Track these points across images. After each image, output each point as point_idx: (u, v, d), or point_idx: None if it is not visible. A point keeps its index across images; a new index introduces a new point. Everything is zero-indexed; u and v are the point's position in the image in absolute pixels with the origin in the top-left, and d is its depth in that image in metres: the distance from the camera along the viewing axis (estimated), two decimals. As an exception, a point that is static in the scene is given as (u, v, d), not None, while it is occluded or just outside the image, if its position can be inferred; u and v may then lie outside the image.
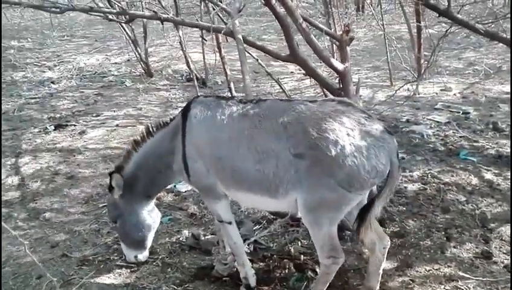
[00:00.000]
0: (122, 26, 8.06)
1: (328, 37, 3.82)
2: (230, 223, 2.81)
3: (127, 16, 4.43)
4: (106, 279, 3.11)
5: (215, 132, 2.54)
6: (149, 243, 3.08)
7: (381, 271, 2.71)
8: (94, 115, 6.59)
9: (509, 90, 6.45)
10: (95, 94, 7.66)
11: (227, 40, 5.49)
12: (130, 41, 8.36)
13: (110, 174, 2.85)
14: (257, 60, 5.85)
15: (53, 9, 3.58)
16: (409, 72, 7.54)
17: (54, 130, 6.00)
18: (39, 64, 9.82)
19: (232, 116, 2.52)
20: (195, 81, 6.56)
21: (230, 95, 5.94)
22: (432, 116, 5.89)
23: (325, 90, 4.45)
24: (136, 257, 3.07)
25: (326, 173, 2.27)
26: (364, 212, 2.45)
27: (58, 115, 6.59)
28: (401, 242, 3.33)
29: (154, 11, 3.55)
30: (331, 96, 3.12)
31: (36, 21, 15.01)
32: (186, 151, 2.64)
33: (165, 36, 9.45)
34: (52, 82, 8.33)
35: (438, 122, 5.66)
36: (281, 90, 7.02)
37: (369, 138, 2.27)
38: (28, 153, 5.32)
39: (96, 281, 3.08)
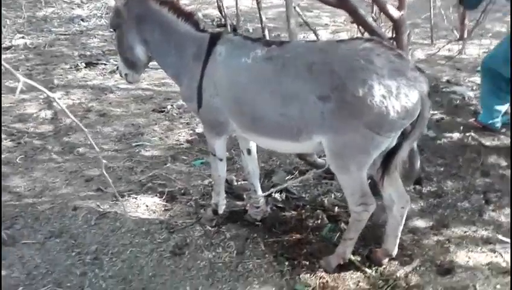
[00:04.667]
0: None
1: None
2: (221, 160, 2.85)
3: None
4: (140, 215, 3.16)
5: (237, 75, 2.45)
6: (141, 71, 2.94)
7: (399, 234, 2.62)
8: (124, 55, 6.51)
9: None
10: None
11: None
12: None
13: None
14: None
15: None
16: (450, 32, 7.20)
17: (85, 67, 5.96)
18: (68, 1, 9.67)
19: (256, 58, 2.41)
20: (228, 27, 6.35)
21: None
22: (474, 78, 5.63)
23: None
24: (126, 74, 2.92)
25: (354, 114, 2.17)
26: (390, 156, 2.35)
27: (89, 53, 6.53)
28: (437, 202, 3.26)
29: None
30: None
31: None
32: (203, 83, 2.56)
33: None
34: (82, 19, 8.20)
35: (479, 84, 5.41)
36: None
37: (399, 77, 2.14)
38: (60, 88, 5.33)
39: (131, 216, 3.12)
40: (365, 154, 2.27)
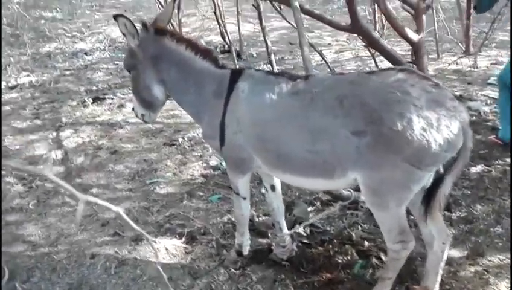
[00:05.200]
0: (155, -5, 7.82)
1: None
2: (245, 198, 2.74)
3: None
4: (161, 259, 3.03)
5: (262, 112, 2.37)
6: (158, 110, 2.86)
7: (440, 270, 2.48)
8: (131, 88, 6.46)
9: None
10: (127, 65, 7.52)
11: (280, 8, 5.20)
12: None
13: (115, 17, 2.53)
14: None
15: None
16: (455, 45, 7.15)
17: (92, 103, 5.91)
18: (70, 35, 9.71)
19: (282, 94, 2.33)
20: (234, 53, 6.32)
21: (278, 70, 5.71)
22: (486, 92, 5.54)
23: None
24: (143, 115, 2.83)
25: (392, 149, 2.06)
26: (432, 191, 2.24)
27: (95, 88, 6.49)
28: (469, 228, 3.13)
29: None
30: (390, 66, 2.88)
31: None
32: (226, 120, 2.47)
33: (197, 6, 9.19)
34: (85, 53, 8.21)
35: (493, 98, 5.31)
36: (319, 63, 6.76)
37: (438, 108, 2.04)
38: (68, 126, 5.26)
39: (152, 262, 2.99)
40: (405, 189, 2.16)
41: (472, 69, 6.35)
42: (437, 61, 6.83)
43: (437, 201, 2.21)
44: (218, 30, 7.95)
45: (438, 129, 2.01)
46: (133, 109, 2.92)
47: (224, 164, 4.15)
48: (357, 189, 2.67)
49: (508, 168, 3.74)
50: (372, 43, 3.09)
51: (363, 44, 3.24)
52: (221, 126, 2.48)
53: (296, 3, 3.28)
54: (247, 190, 2.73)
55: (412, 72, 2.16)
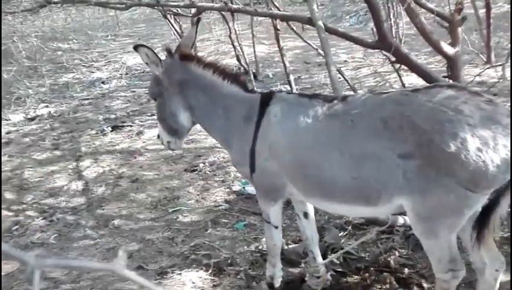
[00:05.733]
0: (170, 22, 7.88)
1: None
2: (277, 227, 2.59)
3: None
4: (188, 294, 2.88)
5: (298, 136, 2.25)
6: (184, 137, 2.80)
7: None
8: (149, 114, 6.43)
9: None
10: (147, 93, 7.52)
11: (303, 29, 5.14)
12: (178, 36, 8.16)
13: (135, 47, 2.50)
14: (316, 49, 5.45)
15: (118, 5, 3.38)
16: (475, 56, 6.98)
17: (111, 131, 5.88)
18: (87, 64, 9.84)
19: (318, 117, 2.21)
20: (252, 75, 6.26)
21: (297, 90, 5.61)
22: (515, 103, 5.33)
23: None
24: (168, 142, 2.75)
25: (445, 172, 1.91)
26: (486, 214, 2.05)
27: (113, 116, 6.48)
28: (513, 250, 2.91)
29: (224, 2, 3.26)
30: (438, 82, 2.73)
31: (79, 22, 15.17)
32: (257, 146, 2.36)
33: (212, 30, 9.22)
34: (103, 82, 8.28)
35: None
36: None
37: (494, 125, 1.88)
38: (88, 156, 5.22)
39: (179, 297, 2.85)
40: (458, 215, 1.99)
41: (494, 79, 6.15)
42: (459, 73, 6.67)
43: (491, 225, 2.03)
44: (233, 53, 7.94)
45: (494, 149, 1.86)
46: (158, 137, 2.84)
47: (247, 188, 4.05)
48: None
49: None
50: (401, 59, 2.96)
51: (389, 60, 3.13)
52: (251, 152, 2.37)
53: (320, 23, 3.19)
54: (279, 219, 2.59)
55: (462, 88, 2.03)
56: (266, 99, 2.39)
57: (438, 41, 2.62)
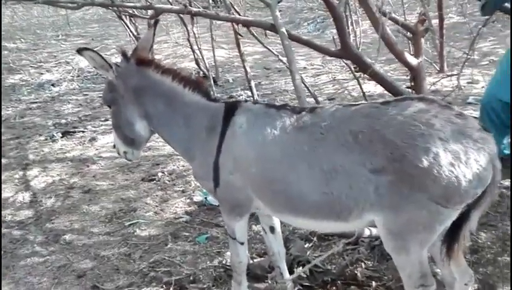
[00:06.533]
0: (125, 23, 7.60)
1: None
2: (242, 243, 2.48)
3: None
4: (148, 315, 2.71)
5: (265, 148, 2.15)
6: (142, 147, 2.63)
7: None
8: (102, 119, 6.14)
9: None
10: (100, 97, 7.20)
11: (266, 35, 5.05)
12: (134, 38, 7.88)
13: (78, 51, 2.30)
14: (277, 55, 5.40)
15: (69, 4, 3.15)
16: (429, 65, 7.22)
17: (62, 137, 5.57)
18: (36, 65, 9.32)
19: (286, 128, 2.12)
20: (211, 80, 6.12)
21: (258, 96, 5.52)
22: (467, 112, 5.52)
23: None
24: (125, 152, 2.58)
25: (418, 188, 1.87)
26: (456, 229, 2.05)
27: (64, 121, 6.14)
28: (476, 259, 2.96)
29: (184, 5, 3.12)
30: (406, 95, 2.73)
31: (27, 21, 14.39)
32: (221, 159, 2.25)
33: (169, 32, 8.99)
34: (53, 84, 7.86)
35: (475, 118, 5.29)
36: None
37: (465, 140, 1.87)
38: (36, 165, 4.89)
39: (137, 319, 2.67)
40: (430, 231, 1.96)
41: (448, 89, 6.38)
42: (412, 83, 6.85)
43: (461, 240, 2.03)
44: (192, 57, 7.77)
45: (467, 164, 1.84)
46: (114, 147, 2.65)
47: (209, 198, 3.91)
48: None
49: (505, 191, 3.64)
50: (364, 69, 2.95)
51: (349, 68, 3.11)
52: (215, 166, 2.25)
53: (283, 29, 3.12)
54: (244, 234, 2.47)
55: (432, 101, 2.00)
56: (231, 109, 2.28)
57: (401, 51, 2.63)
